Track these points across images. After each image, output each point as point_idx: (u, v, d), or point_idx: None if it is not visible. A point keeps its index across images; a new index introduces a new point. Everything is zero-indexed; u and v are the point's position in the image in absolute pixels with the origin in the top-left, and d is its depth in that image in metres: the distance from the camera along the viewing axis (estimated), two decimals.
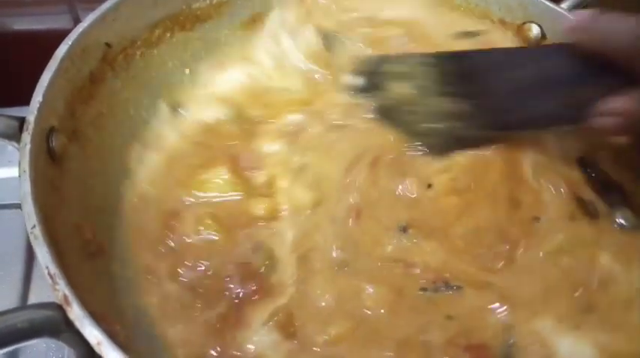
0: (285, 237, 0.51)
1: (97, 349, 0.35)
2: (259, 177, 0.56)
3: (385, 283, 0.48)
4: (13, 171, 0.75)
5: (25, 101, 0.49)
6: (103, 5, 0.59)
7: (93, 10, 0.58)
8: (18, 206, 0.73)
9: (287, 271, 0.49)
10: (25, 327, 0.35)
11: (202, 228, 0.51)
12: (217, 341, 0.44)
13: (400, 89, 0.58)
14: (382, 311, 0.46)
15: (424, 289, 0.48)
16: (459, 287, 0.48)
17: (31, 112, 0.47)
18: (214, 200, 0.54)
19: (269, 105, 0.64)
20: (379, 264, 0.49)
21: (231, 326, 0.45)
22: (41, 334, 0.36)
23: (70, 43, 0.54)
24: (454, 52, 0.60)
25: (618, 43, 0.47)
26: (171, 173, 0.57)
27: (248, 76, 0.67)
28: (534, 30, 0.73)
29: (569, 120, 0.53)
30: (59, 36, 0.55)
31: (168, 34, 0.67)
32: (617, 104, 0.48)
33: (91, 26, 0.57)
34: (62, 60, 0.53)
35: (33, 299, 0.65)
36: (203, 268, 0.49)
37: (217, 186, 0.55)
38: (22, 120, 0.47)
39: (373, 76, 0.61)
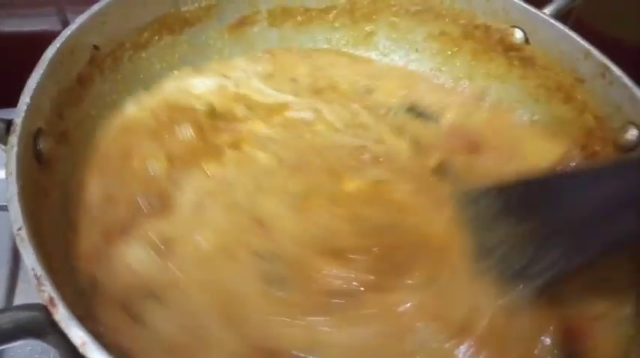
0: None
1: (81, 350, 0.35)
2: None
3: None
4: None
5: (13, 102, 0.49)
6: (92, 8, 0.59)
7: (81, 12, 0.59)
8: (4, 208, 0.74)
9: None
10: (9, 328, 0.36)
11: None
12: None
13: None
14: None
15: None
16: None
17: (18, 115, 0.48)
18: None
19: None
20: None
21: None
22: (26, 335, 0.37)
23: (58, 45, 0.54)
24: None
25: None
26: None
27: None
28: (518, 35, 0.74)
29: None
30: (48, 37, 0.55)
31: (157, 37, 0.68)
32: None
33: (80, 29, 0.57)
34: (50, 62, 0.53)
35: (19, 297, 0.65)
36: None
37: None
38: (9, 123, 0.47)
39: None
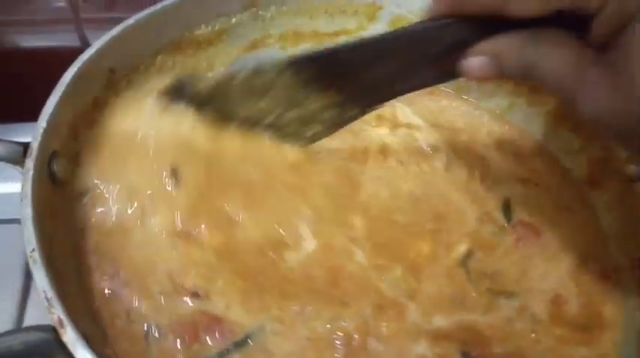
0: None
1: None
2: None
3: None
4: (13, 187, 0.78)
5: (33, 115, 0.52)
6: (109, 32, 0.61)
7: (99, 29, 0.61)
8: (16, 221, 0.76)
9: None
10: (20, 349, 0.37)
11: None
12: None
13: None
14: None
15: None
16: None
17: (35, 138, 0.49)
18: None
19: None
20: None
21: None
22: (35, 356, 0.38)
23: (76, 69, 0.56)
24: (317, 51, 0.55)
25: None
26: None
27: None
28: None
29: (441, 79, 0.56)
30: (66, 53, 0.58)
31: (170, 60, 0.70)
32: (489, 45, 0.46)
33: (98, 53, 0.59)
34: (68, 85, 0.55)
35: (30, 312, 0.67)
36: None
37: None
38: (26, 146, 0.49)
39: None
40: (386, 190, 0.63)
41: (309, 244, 0.56)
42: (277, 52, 0.79)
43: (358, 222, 0.59)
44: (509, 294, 0.57)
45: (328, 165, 0.62)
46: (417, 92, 0.58)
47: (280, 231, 0.56)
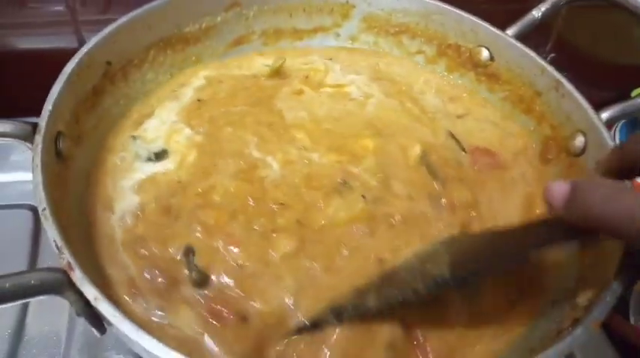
0: None
1: (94, 303, 0.44)
2: None
3: None
4: (19, 176, 0.86)
5: (35, 112, 0.58)
6: (104, 29, 0.69)
7: (96, 31, 0.68)
8: (23, 206, 0.83)
9: None
10: (37, 284, 0.44)
11: None
12: None
13: None
14: None
15: None
16: None
17: (42, 118, 0.57)
18: None
19: None
20: None
21: None
22: (49, 291, 0.45)
23: (77, 60, 0.64)
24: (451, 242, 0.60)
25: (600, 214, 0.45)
26: None
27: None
28: (484, 53, 0.83)
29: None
30: (65, 54, 0.65)
31: (162, 54, 0.77)
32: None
33: (95, 46, 0.67)
34: (70, 75, 0.62)
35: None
36: None
37: None
38: (34, 125, 0.56)
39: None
40: (304, 113, 0.74)
41: (272, 162, 0.66)
42: (259, 47, 0.87)
43: (298, 134, 0.70)
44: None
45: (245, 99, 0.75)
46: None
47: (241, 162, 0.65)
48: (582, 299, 0.54)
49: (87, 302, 0.44)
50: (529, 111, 0.79)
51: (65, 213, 0.54)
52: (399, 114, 0.77)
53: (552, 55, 1.12)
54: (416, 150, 0.70)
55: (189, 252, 0.56)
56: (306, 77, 0.81)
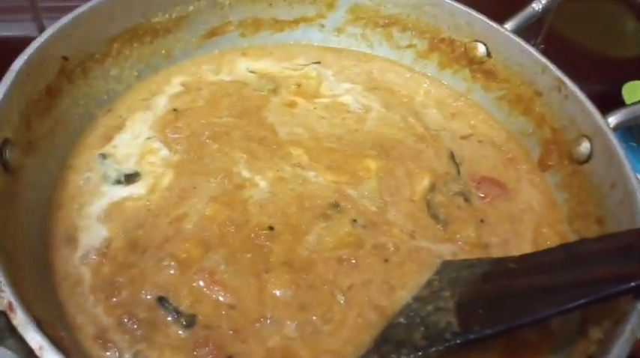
0: None
1: (38, 353, 0.37)
2: None
3: None
4: None
5: None
6: (60, 20, 0.61)
7: (58, 18, 0.60)
8: None
9: None
10: None
11: None
12: None
13: None
14: None
15: None
16: None
17: None
18: None
19: None
20: None
21: None
22: None
23: (26, 57, 0.56)
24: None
25: None
26: None
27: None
28: (480, 49, 0.77)
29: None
30: (24, 43, 0.57)
31: (127, 48, 0.69)
32: None
33: (49, 40, 0.59)
34: (18, 74, 0.54)
35: None
36: None
37: None
38: None
39: None
40: (301, 129, 0.68)
41: (261, 181, 0.60)
42: (237, 39, 0.79)
43: (294, 151, 0.64)
44: None
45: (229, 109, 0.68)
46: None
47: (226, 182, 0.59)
48: (594, 332, 0.49)
49: (32, 353, 0.37)
50: (528, 112, 0.73)
51: (11, 238, 0.47)
52: (403, 132, 0.71)
53: (542, 46, 1.07)
54: (424, 183, 0.64)
55: (162, 300, 0.50)
56: (298, 86, 0.75)
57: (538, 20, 0.77)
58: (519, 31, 0.74)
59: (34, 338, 0.38)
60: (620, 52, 1.14)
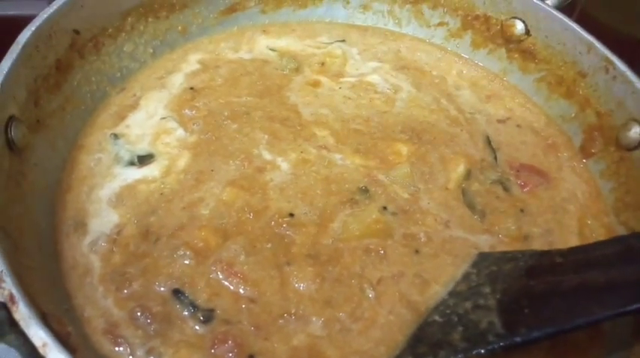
0: None
1: (42, 351, 0.33)
2: None
3: None
4: None
5: None
6: None
7: None
8: None
9: None
10: None
11: None
12: None
13: None
14: None
15: None
16: None
17: None
18: None
19: None
20: None
21: None
22: None
23: (33, 29, 0.52)
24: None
25: None
26: None
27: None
28: (519, 26, 0.71)
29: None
30: None
31: (142, 23, 0.65)
32: None
33: (58, 12, 0.55)
34: (25, 46, 0.51)
35: None
36: None
37: None
38: None
39: None
40: (326, 110, 0.64)
41: (282, 162, 0.56)
42: (257, 16, 0.75)
43: (319, 132, 0.60)
44: None
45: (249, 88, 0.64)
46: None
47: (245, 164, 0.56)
48: None
49: (33, 350, 0.34)
50: (570, 94, 0.68)
51: (16, 222, 0.43)
52: (435, 114, 0.66)
53: None
54: (459, 170, 0.59)
55: (177, 292, 0.46)
56: (322, 64, 0.70)
57: (570, 3, 0.72)
58: (563, 8, 0.69)
59: (37, 334, 0.34)
60: None
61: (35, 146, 0.51)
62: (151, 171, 0.54)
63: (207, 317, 0.44)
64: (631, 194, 0.59)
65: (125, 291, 0.45)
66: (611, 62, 0.63)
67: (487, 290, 0.47)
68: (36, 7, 0.90)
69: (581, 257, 0.47)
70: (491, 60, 0.75)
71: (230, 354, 0.43)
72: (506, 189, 0.59)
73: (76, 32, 0.57)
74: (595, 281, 0.44)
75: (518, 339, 0.42)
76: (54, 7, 0.54)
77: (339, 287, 0.48)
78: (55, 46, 0.55)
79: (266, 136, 0.58)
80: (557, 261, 0.48)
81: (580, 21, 1.01)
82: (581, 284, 0.45)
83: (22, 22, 0.77)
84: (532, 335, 0.42)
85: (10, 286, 0.35)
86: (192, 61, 0.67)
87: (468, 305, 0.46)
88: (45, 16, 0.53)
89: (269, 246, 0.49)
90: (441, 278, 0.50)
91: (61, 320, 0.39)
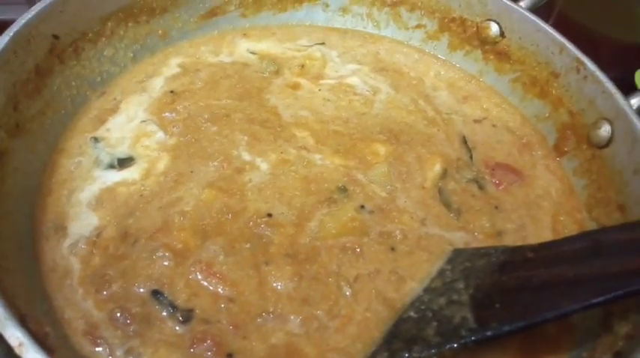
0: None
1: (17, 351, 0.34)
2: None
3: None
4: None
5: None
6: None
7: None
8: None
9: None
10: None
11: None
12: None
13: None
14: None
15: None
16: None
17: None
18: None
19: None
20: None
21: None
22: None
23: (11, 34, 0.52)
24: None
25: None
26: None
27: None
28: (493, 28, 0.73)
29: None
30: None
31: (122, 27, 0.66)
32: None
33: (37, 17, 0.55)
34: (3, 51, 0.51)
35: None
36: None
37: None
38: None
39: None
40: (306, 112, 0.65)
41: (262, 163, 0.57)
42: (237, 19, 0.76)
43: (299, 133, 0.61)
44: None
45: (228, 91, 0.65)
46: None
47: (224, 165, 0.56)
48: (621, 326, 0.45)
49: (9, 350, 0.34)
50: (544, 94, 0.70)
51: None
52: (412, 115, 0.67)
53: None
54: (436, 169, 0.60)
55: (156, 293, 0.46)
56: (302, 67, 0.71)
57: (548, 4, 0.73)
58: (533, 11, 0.70)
59: (13, 335, 0.34)
60: (633, 38, 1.10)
61: (15, 150, 0.51)
62: (131, 173, 0.55)
63: (187, 317, 0.45)
64: (602, 191, 0.61)
65: (105, 293, 0.46)
66: (582, 62, 0.64)
67: (461, 285, 0.48)
68: (16, 11, 0.91)
69: (551, 252, 0.49)
70: (467, 61, 0.76)
71: (209, 353, 0.43)
72: (481, 187, 0.61)
73: (56, 37, 0.58)
74: (564, 275, 0.46)
75: (489, 333, 0.44)
76: (32, 12, 0.55)
77: (317, 285, 0.49)
78: (34, 51, 0.55)
79: (246, 138, 0.59)
80: (528, 256, 0.49)
81: (558, 22, 1.04)
82: (551, 279, 0.46)
83: (1, 26, 0.77)
84: (503, 330, 0.44)
85: None
86: (172, 65, 0.68)
87: (443, 300, 0.48)
88: (23, 21, 0.54)
89: (248, 246, 0.50)
90: (417, 274, 0.51)
91: (39, 321, 0.39)
